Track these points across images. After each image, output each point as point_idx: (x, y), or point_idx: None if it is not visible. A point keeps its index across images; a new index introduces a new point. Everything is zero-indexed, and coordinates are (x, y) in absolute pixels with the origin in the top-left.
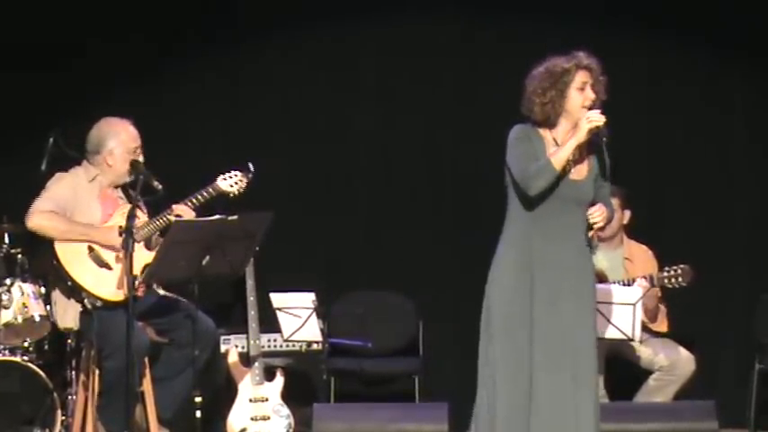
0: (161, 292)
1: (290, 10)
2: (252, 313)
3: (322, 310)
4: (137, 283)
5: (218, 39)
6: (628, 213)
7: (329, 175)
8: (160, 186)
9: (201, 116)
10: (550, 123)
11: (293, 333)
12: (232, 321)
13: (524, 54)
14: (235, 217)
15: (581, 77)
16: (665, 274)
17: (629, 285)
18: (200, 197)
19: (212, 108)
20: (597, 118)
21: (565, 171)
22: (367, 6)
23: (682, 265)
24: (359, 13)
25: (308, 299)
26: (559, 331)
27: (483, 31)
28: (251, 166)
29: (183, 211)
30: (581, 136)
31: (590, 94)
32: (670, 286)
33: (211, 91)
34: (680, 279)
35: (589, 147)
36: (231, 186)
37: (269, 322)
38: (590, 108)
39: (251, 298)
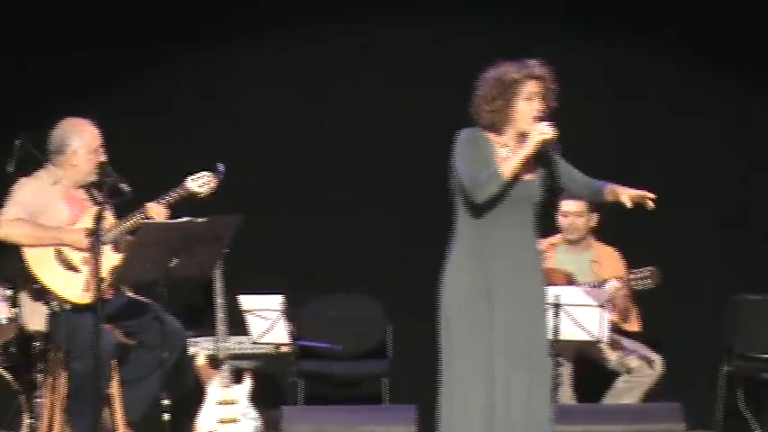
0: (129, 294)
1: (262, 11)
2: (220, 315)
3: (291, 313)
4: (104, 285)
5: (187, 39)
6: (595, 216)
7: (299, 177)
8: (128, 189)
9: (170, 116)
10: (496, 130)
11: (262, 335)
12: (200, 324)
13: (498, 57)
14: (203, 219)
15: (530, 88)
16: (633, 276)
17: (596, 287)
18: (169, 198)
19: (181, 108)
20: (547, 131)
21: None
22: (341, 8)
23: (649, 267)
24: (332, 14)
25: (276, 301)
26: (516, 330)
27: (457, 34)
28: (220, 166)
29: (156, 211)
30: (530, 148)
31: (538, 105)
32: (638, 288)
33: (180, 91)
34: (647, 281)
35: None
36: (200, 187)
37: (237, 325)
38: (540, 119)
39: (219, 300)
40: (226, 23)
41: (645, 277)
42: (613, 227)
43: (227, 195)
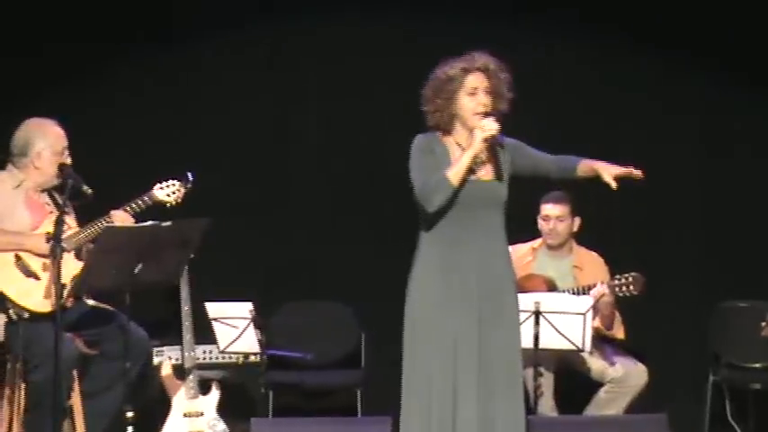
0: (91, 302)
1: (230, 9)
2: (186, 324)
3: (260, 321)
4: (65, 292)
5: (153, 38)
6: (578, 220)
7: (269, 180)
8: (90, 191)
9: (135, 119)
10: (446, 130)
11: (230, 344)
12: (166, 332)
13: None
14: (169, 223)
15: (471, 82)
16: (616, 282)
17: (579, 294)
18: (134, 206)
19: (147, 111)
20: (490, 127)
21: (473, 175)
22: (307, 5)
23: (633, 273)
24: (299, 12)
25: (245, 309)
26: (480, 339)
27: (429, 32)
28: (190, 175)
29: (121, 218)
30: (476, 146)
31: (483, 99)
32: (621, 295)
33: (146, 93)
34: (631, 287)
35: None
36: (168, 196)
37: (204, 333)
38: (485, 114)
39: (185, 308)
40: (197, 22)
41: (629, 283)
42: (596, 231)
43: (193, 198)
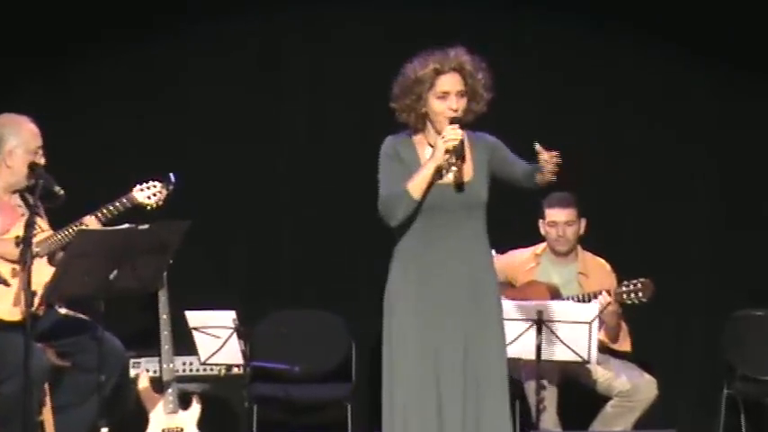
0: (63, 310)
1: (215, 2)
2: (165, 333)
3: (244, 331)
4: (36, 300)
5: (129, 28)
6: (584, 222)
7: (253, 181)
8: (62, 192)
9: (111, 116)
10: (418, 130)
11: (211, 356)
12: (143, 343)
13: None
14: (146, 226)
15: (443, 85)
16: (624, 288)
17: (584, 302)
18: (112, 209)
19: (125, 108)
20: (453, 135)
21: (445, 178)
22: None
23: (642, 279)
24: (288, 6)
25: (228, 317)
26: (461, 353)
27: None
28: (172, 176)
29: (93, 223)
30: (439, 156)
31: (453, 104)
32: (629, 302)
33: (124, 89)
34: (640, 294)
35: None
36: (149, 198)
37: (184, 344)
38: (454, 120)
39: (164, 316)
40: (174, 10)
41: (637, 290)
42: (601, 234)
43: (173, 199)
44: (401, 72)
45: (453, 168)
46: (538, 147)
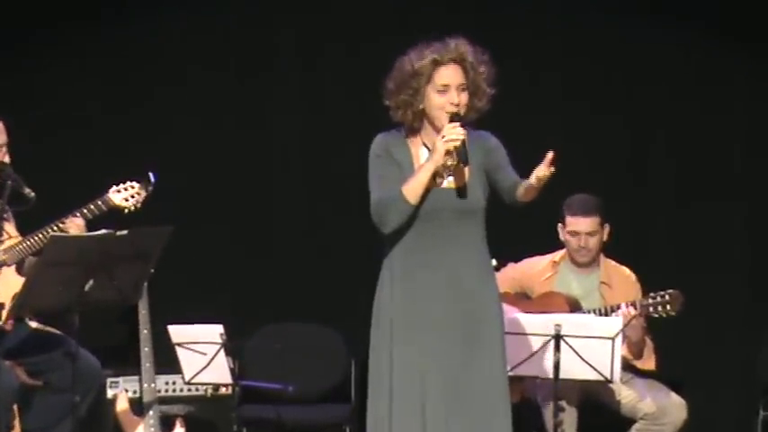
0: (34, 324)
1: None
2: (146, 350)
3: (232, 346)
4: (4, 313)
5: (103, 15)
6: (607, 228)
7: (240, 185)
8: (32, 194)
9: (87, 114)
10: (414, 129)
11: (197, 374)
12: (121, 360)
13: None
14: (124, 232)
15: (443, 77)
16: (651, 301)
17: (606, 315)
18: (86, 212)
19: (101, 105)
20: (454, 135)
21: (440, 182)
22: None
23: (670, 291)
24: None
25: (214, 332)
26: (452, 372)
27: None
28: (152, 176)
29: (76, 226)
30: (437, 159)
31: (454, 98)
32: (656, 315)
33: (100, 84)
34: (668, 307)
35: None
36: (126, 200)
37: (167, 361)
38: (453, 116)
39: (144, 331)
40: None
41: (665, 302)
42: (627, 241)
43: (153, 203)
44: (395, 66)
45: (450, 171)
46: (550, 156)
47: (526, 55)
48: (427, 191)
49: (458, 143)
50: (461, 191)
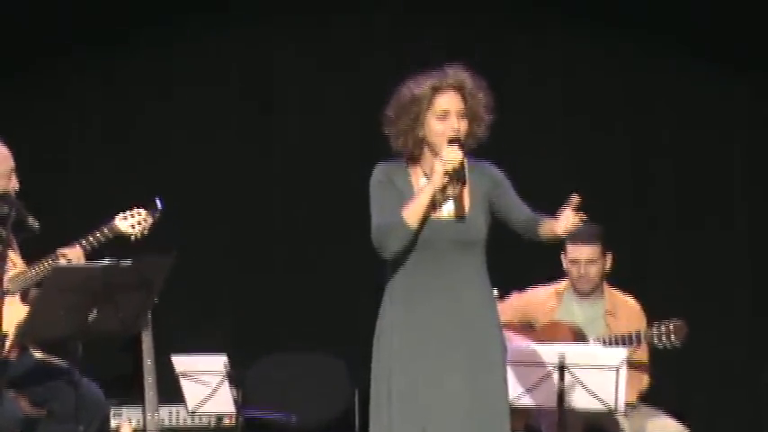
0: (37, 354)
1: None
2: (149, 380)
3: (235, 376)
4: (7, 343)
5: (105, 36)
6: (609, 257)
7: (243, 213)
8: (36, 224)
9: (86, 136)
10: (412, 156)
11: (200, 404)
12: (125, 390)
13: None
14: (128, 261)
15: (442, 103)
16: (655, 330)
17: (611, 344)
18: (92, 239)
19: (105, 132)
20: (452, 156)
21: (439, 212)
22: (290, 11)
23: (674, 320)
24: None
25: (218, 362)
26: (455, 409)
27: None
28: (159, 202)
29: (74, 255)
30: (437, 181)
31: (454, 124)
32: (660, 345)
33: (103, 112)
34: (672, 337)
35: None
36: (133, 227)
37: (170, 391)
38: (454, 141)
39: (148, 361)
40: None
41: (669, 332)
42: (630, 270)
43: (156, 232)
44: (394, 95)
45: (450, 197)
46: (575, 198)
47: (525, 74)
48: (425, 219)
49: (456, 164)
50: (463, 217)
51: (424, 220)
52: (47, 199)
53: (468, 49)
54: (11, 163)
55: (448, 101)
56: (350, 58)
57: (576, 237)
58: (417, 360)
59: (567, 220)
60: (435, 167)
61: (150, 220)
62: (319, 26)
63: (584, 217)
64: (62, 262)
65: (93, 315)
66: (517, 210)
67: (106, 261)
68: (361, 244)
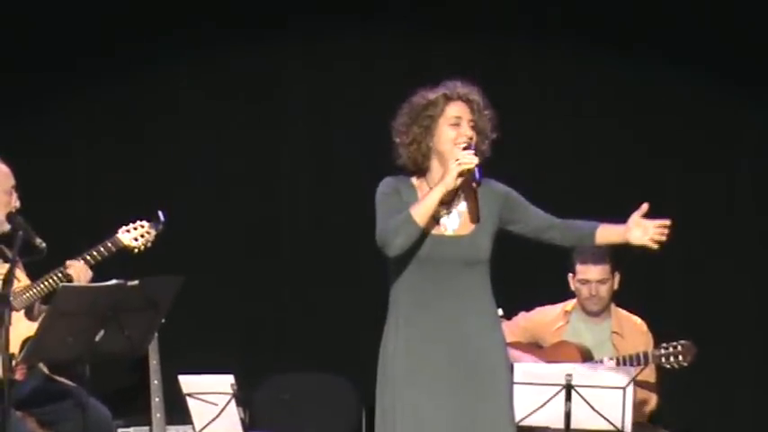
0: (45, 373)
1: (202, 29)
2: (156, 400)
3: (243, 396)
4: (15, 363)
5: (110, 60)
6: (618, 276)
7: (249, 232)
8: (43, 245)
9: (92, 155)
10: (421, 169)
11: (207, 425)
12: (132, 410)
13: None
14: (135, 282)
15: (453, 111)
16: (663, 351)
17: (618, 364)
18: (96, 254)
19: (106, 145)
20: (468, 159)
21: (441, 228)
22: (293, 26)
23: (682, 341)
24: (283, 32)
25: (225, 382)
26: (461, 419)
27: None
28: (161, 215)
29: (78, 269)
30: (449, 181)
31: (467, 131)
32: (668, 366)
33: (107, 126)
34: (680, 358)
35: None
36: (136, 240)
37: (177, 411)
38: (467, 147)
39: (155, 381)
40: (161, 43)
41: (677, 353)
42: (638, 290)
43: (164, 252)
44: (405, 104)
45: (454, 209)
46: (644, 206)
47: (529, 88)
48: (427, 236)
49: (471, 166)
50: (463, 239)
51: (429, 240)
52: (50, 218)
53: (471, 67)
54: (12, 180)
55: (459, 109)
56: (357, 71)
57: (586, 257)
58: (421, 381)
59: (644, 229)
60: (449, 167)
61: (153, 233)
62: (327, 40)
63: (668, 223)
64: (69, 271)
65: (100, 335)
66: (540, 217)
67: (113, 281)
68: (369, 263)
